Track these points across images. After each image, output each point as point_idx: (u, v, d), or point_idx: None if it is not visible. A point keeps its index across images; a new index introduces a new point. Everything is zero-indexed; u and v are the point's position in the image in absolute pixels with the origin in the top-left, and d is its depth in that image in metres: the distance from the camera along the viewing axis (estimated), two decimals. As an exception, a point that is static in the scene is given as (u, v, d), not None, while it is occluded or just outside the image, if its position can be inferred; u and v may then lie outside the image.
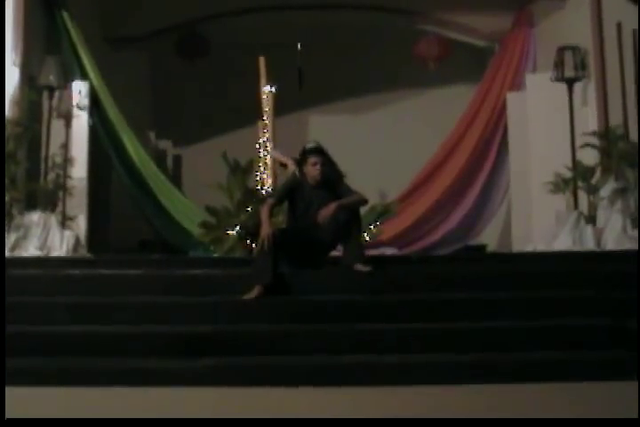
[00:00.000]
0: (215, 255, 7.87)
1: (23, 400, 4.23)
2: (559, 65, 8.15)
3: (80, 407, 4.14)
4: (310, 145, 6.49)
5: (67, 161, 8.23)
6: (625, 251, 6.86)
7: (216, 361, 4.89)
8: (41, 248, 7.58)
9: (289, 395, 4.46)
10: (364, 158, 9.65)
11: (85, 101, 8.47)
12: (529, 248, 7.86)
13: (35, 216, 7.71)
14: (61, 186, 8.13)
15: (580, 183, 7.76)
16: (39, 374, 4.76)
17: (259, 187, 8.31)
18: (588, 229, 7.41)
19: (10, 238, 7.40)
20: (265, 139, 8.62)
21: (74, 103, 8.42)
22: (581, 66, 8.10)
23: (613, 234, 7.24)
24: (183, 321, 5.42)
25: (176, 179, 10.82)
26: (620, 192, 7.42)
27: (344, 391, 4.50)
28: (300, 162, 6.19)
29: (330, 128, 10.33)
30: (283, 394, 4.48)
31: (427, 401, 4.30)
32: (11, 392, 4.11)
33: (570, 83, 8.11)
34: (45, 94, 8.30)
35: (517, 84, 9.17)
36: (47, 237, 7.68)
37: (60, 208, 8.07)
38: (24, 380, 4.64)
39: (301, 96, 9.58)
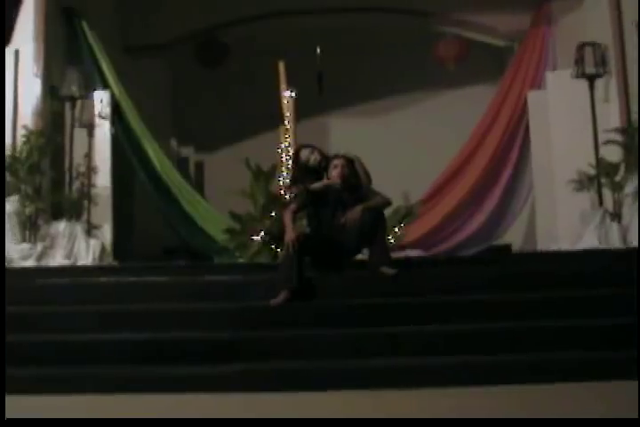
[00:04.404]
0: (240, 261, 7.89)
1: (52, 409, 4.25)
2: (579, 62, 8.10)
3: (109, 415, 4.15)
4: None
5: (90, 170, 8.28)
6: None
7: (244, 367, 4.90)
8: (67, 257, 7.65)
9: (318, 399, 4.45)
10: (386, 161, 9.60)
11: (107, 110, 8.51)
12: (554, 247, 7.81)
13: (60, 226, 7.77)
14: (86, 195, 8.19)
15: (604, 180, 7.70)
16: (67, 383, 4.78)
17: (282, 192, 8.30)
18: (614, 227, 7.36)
19: (37, 248, 7.47)
20: (287, 144, 8.62)
21: (96, 112, 8.47)
22: (602, 62, 8.05)
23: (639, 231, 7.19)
24: (210, 327, 5.43)
25: (198, 185, 10.87)
26: (645, 189, 7.37)
27: (374, 395, 4.49)
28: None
29: (351, 131, 10.33)
30: (312, 398, 4.47)
31: (453, 402, 4.28)
32: (40, 401, 4.15)
33: (591, 79, 8.07)
34: (67, 104, 8.36)
35: (538, 83, 9.10)
36: (73, 246, 7.75)
37: (85, 217, 8.13)
38: (52, 388, 4.68)
39: (322, 100, 9.60)
